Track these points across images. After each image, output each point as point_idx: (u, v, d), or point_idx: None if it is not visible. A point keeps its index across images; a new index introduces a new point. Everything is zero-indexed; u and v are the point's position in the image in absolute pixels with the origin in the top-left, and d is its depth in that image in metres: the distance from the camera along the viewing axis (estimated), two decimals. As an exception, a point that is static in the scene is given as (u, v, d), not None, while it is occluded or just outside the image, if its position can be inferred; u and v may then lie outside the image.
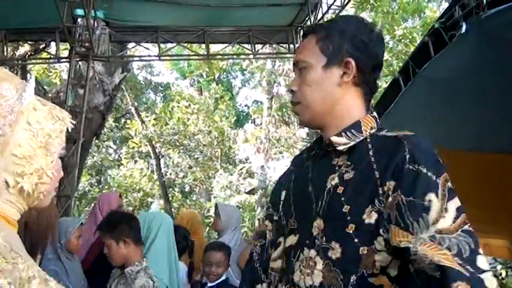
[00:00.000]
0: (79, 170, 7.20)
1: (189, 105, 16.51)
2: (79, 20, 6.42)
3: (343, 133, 1.40)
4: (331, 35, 1.42)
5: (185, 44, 7.55)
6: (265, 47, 8.31)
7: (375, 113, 1.46)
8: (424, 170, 1.25)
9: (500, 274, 10.00)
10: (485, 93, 3.26)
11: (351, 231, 1.30)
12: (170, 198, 16.23)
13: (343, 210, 1.32)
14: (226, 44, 7.47)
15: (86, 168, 13.33)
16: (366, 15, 12.45)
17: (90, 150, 10.29)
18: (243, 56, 9.19)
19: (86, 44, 6.58)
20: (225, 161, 18.21)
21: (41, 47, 7.43)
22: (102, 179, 16.58)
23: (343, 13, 8.70)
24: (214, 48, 7.95)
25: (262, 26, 7.07)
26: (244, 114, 20.16)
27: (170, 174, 16.69)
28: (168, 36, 7.16)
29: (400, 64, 6.16)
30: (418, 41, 3.96)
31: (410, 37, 10.34)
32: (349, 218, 1.31)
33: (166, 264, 3.35)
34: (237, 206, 15.53)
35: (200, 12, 6.67)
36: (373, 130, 1.40)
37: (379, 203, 1.29)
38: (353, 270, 1.28)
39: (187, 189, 18.06)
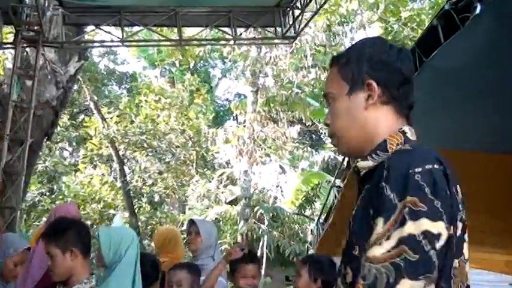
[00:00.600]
0: (26, 177, 7.14)
1: (159, 99, 16.49)
2: (26, -2, 6.39)
3: (369, 156, 1.54)
4: (350, 61, 1.59)
5: (154, 28, 7.53)
6: (249, 31, 8.29)
7: (405, 128, 1.57)
8: (387, 191, 1.36)
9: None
10: (503, 83, 3.29)
11: (356, 253, 1.44)
12: (137, 210, 16.20)
13: (352, 234, 1.49)
14: (203, 28, 7.44)
15: (35, 174, 13.22)
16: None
17: (40, 153, 10.22)
18: (222, 42, 9.18)
19: (35, 27, 6.55)
20: (202, 166, 18.21)
21: (-20, 30, 7.37)
22: (55, 188, 16.47)
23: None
24: (189, 32, 7.95)
25: (244, 6, 7.08)
26: (225, 109, 20.20)
27: (136, 181, 16.63)
28: (133, 18, 7.12)
29: (406, 51, 6.18)
30: (426, 25, 3.98)
31: (417, 20, 10.42)
32: (354, 240, 1.47)
33: (129, 286, 3.34)
34: (216, 218, 15.54)
35: (171, -11, 6.68)
36: (399, 146, 1.52)
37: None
38: None
39: (157, 199, 18.03)
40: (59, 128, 12.51)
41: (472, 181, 4.49)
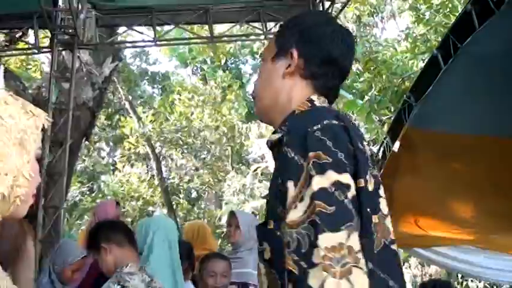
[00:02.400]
0: (68, 177, 7.25)
1: (192, 97, 16.56)
2: (60, 2, 6.46)
3: (278, 129, 1.52)
4: (287, 28, 1.64)
5: (185, 26, 7.56)
6: (279, 26, 8.27)
7: (313, 96, 1.55)
8: (291, 154, 1.34)
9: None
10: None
11: (271, 226, 1.41)
12: (175, 207, 16.32)
13: (267, 208, 1.48)
14: (233, 24, 7.45)
15: (75, 174, 13.43)
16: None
17: (79, 154, 10.37)
18: (253, 37, 9.15)
19: (70, 31, 6.62)
20: (237, 161, 18.26)
21: (17, 35, 7.47)
22: (94, 187, 16.72)
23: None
24: (219, 29, 7.94)
25: (275, 0, 7.04)
26: (257, 105, 20.17)
27: (173, 178, 16.76)
28: (165, 18, 7.15)
29: (439, 39, 6.12)
30: (460, 11, 3.92)
31: (450, 6, 10.22)
32: (270, 215, 1.44)
33: (169, 270, 3.42)
34: (252, 212, 15.59)
35: (201, -13, 6.68)
36: (289, 119, 1.52)
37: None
38: (284, 266, 1.31)
39: (194, 195, 18.14)
40: (96, 129, 12.66)
41: (507, 168, 4.43)
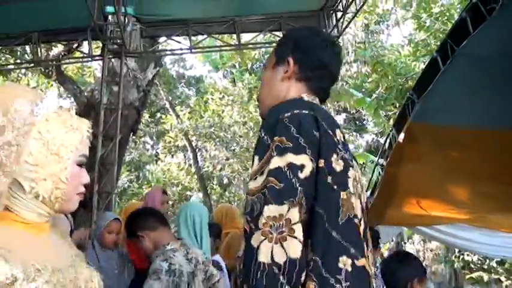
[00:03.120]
0: (118, 167, 7.34)
1: (223, 97, 16.59)
2: (110, 17, 6.51)
3: None
4: (284, 41, 1.73)
5: (216, 35, 7.58)
6: (298, 34, 8.24)
7: (303, 95, 1.60)
8: (262, 134, 1.43)
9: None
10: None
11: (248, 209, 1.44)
12: (209, 191, 16.41)
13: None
14: (257, 33, 7.45)
15: (124, 164, 13.59)
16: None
17: (127, 147, 10.47)
18: (274, 44, 9.16)
19: (118, 41, 6.68)
20: (262, 152, 18.22)
21: (74, 46, 7.57)
22: (140, 175, 16.88)
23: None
24: (246, 37, 7.95)
25: (292, 12, 7.01)
26: (279, 103, 20.09)
27: (208, 167, 16.83)
28: (198, 29, 7.18)
29: (438, 43, 6.04)
30: (456, 18, 3.87)
31: (447, 14, 10.07)
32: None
33: (197, 247, 3.46)
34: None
35: (229, 2, 6.66)
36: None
37: None
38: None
39: (225, 181, 18.19)
40: (141, 125, 12.76)
41: (500, 156, 4.36)
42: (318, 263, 1.30)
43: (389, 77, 10.93)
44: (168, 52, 9.44)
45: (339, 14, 6.83)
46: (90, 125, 1.30)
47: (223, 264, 4.06)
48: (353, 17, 7.22)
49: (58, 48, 7.83)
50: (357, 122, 18.45)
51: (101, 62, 7.20)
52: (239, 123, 16.40)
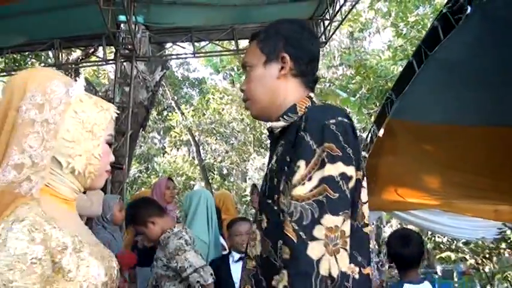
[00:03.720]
0: (129, 159, 7.36)
1: (223, 96, 16.57)
2: (122, 25, 6.51)
3: (280, 118, 1.41)
4: (269, 37, 1.46)
5: (217, 42, 7.59)
6: (289, 40, 8.22)
7: (311, 94, 1.46)
8: (307, 138, 1.23)
9: (509, 238, 9.82)
10: (491, 71, 3.19)
11: (270, 201, 1.31)
12: (210, 181, 16.41)
13: (268, 184, 1.35)
14: (254, 40, 7.46)
15: (135, 157, 13.58)
16: (381, 5, 12.24)
17: (137, 141, 10.48)
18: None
19: (129, 47, 6.69)
20: (258, 146, 18.25)
21: (90, 51, 7.58)
22: (149, 166, 16.86)
23: (358, 6, 8.55)
24: (243, 43, 7.95)
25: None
26: (273, 102, 20.05)
27: (209, 159, 16.86)
28: (201, 36, 7.19)
29: (413, 49, 6.08)
30: (429, 27, 3.89)
31: (422, 23, 10.09)
32: (271, 190, 1.32)
33: (206, 227, 3.48)
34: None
35: (228, 11, 6.67)
36: (307, 110, 1.39)
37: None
38: (278, 236, 1.22)
39: (225, 172, 18.20)
40: (149, 122, 12.75)
41: (468, 149, 4.41)
42: None
43: (371, 79, 10.96)
44: (173, 56, 9.43)
45: (326, 23, 6.86)
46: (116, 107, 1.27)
47: (226, 245, 4.10)
48: (339, 25, 7.24)
49: (76, 53, 7.83)
50: (342, 119, 18.42)
51: (114, 65, 7.22)
52: (237, 120, 16.40)
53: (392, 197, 6.13)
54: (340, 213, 1.16)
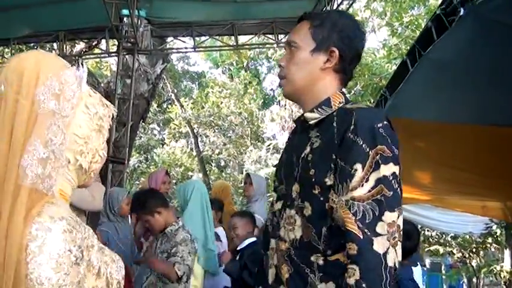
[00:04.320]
0: (129, 149, 7.35)
1: (222, 90, 16.57)
2: (125, 19, 6.49)
3: (315, 109, 1.44)
4: (324, 25, 1.46)
5: (217, 37, 7.56)
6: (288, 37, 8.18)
7: (344, 90, 1.49)
8: (360, 142, 1.29)
9: (496, 233, 9.93)
10: (482, 72, 3.22)
11: (316, 192, 1.36)
12: (208, 172, 16.43)
13: (311, 174, 1.38)
14: (253, 35, 7.44)
15: (135, 147, 13.58)
16: (377, 5, 12.22)
17: (137, 132, 10.47)
18: (267, 46, 9.12)
19: (131, 40, 6.66)
20: (255, 139, 18.27)
21: (94, 44, 7.54)
22: (149, 157, 16.85)
23: (355, 5, 8.53)
24: (242, 39, 7.94)
25: (284, 17, 6.99)
26: (270, 97, 20.09)
27: (207, 151, 16.85)
28: (201, 30, 7.17)
29: (408, 48, 6.09)
30: (423, 27, 3.90)
31: (416, 23, 10.09)
32: (314, 180, 1.37)
33: (201, 222, 3.49)
34: (265, 177, 15.64)
35: (228, 7, 6.66)
36: (341, 104, 1.44)
37: (335, 166, 1.34)
38: (323, 223, 1.33)
39: (222, 163, 18.22)
40: (150, 113, 12.73)
41: (458, 147, 4.44)
42: None
43: (366, 76, 10.96)
44: (174, 50, 9.40)
45: (324, 21, 6.83)
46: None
47: (222, 235, 4.10)
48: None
49: (80, 45, 7.80)
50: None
51: (116, 58, 7.19)
52: (235, 114, 16.40)
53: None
54: (396, 209, 1.26)
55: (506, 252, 8.50)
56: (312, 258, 1.32)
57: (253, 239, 3.32)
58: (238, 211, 4.06)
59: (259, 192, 4.28)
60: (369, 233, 1.22)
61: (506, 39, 2.82)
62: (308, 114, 1.46)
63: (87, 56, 8.26)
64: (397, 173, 1.29)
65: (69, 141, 1.03)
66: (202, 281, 3.54)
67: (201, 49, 8.43)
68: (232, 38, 7.43)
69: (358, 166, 1.28)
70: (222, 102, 16.31)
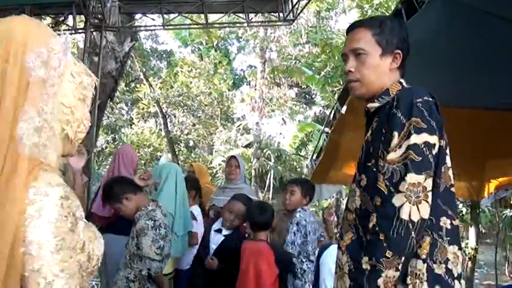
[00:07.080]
0: (97, 129, 7.23)
1: (191, 70, 16.39)
2: (92, -6, 6.32)
3: (375, 99, 1.68)
4: (384, 32, 1.68)
5: (186, 15, 7.44)
6: (258, 16, 8.16)
7: (401, 79, 1.70)
8: (399, 114, 1.51)
9: (461, 211, 10.32)
10: (453, 54, 3.28)
11: (370, 164, 1.59)
12: (177, 153, 16.35)
13: (365, 152, 1.64)
14: (223, 14, 7.35)
15: (102, 127, 13.35)
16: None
17: (105, 112, 10.29)
18: (238, 25, 9.03)
19: (99, 16, 6.51)
20: (224, 119, 18.25)
21: (61, 19, 7.31)
22: (116, 137, 16.61)
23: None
24: (213, 18, 7.85)
25: (254, -3, 6.95)
26: (240, 77, 20.04)
27: (176, 131, 16.73)
28: (170, 8, 7.04)
29: (378, 30, 6.11)
30: (393, 9, 3.94)
31: (386, 6, 10.21)
32: (367, 156, 1.61)
33: (173, 200, 3.51)
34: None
35: (199, -15, 6.57)
36: (399, 92, 1.64)
37: (384, 139, 1.56)
38: (376, 191, 1.52)
39: (191, 144, 18.16)
40: (117, 93, 12.49)
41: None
42: (432, 221, 1.48)
43: (336, 58, 11.06)
44: (142, 28, 9.24)
45: (295, 1, 6.83)
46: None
47: (197, 213, 4.13)
48: (306, 4, 7.23)
49: (46, 21, 7.53)
50: (307, 96, 18.64)
51: (83, 35, 7.00)
52: (205, 94, 16.30)
53: (352, 171, 6.21)
54: (423, 172, 1.44)
55: (471, 229, 8.87)
56: (369, 225, 1.51)
57: None
58: (241, 194, 3.68)
59: (243, 174, 4.35)
60: (392, 190, 1.44)
61: (473, 21, 2.88)
62: (370, 105, 1.69)
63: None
64: (432, 142, 1.46)
65: (56, 110, 1.02)
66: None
67: (170, 27, 8.29)
68: (202, 16, 7.34)
69: (395, 134, 1.49)
70: (191, 82, 16.16)
